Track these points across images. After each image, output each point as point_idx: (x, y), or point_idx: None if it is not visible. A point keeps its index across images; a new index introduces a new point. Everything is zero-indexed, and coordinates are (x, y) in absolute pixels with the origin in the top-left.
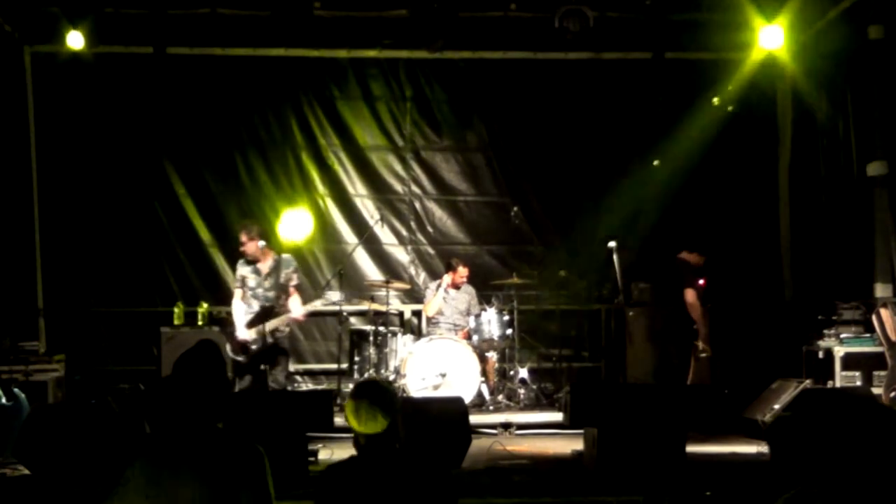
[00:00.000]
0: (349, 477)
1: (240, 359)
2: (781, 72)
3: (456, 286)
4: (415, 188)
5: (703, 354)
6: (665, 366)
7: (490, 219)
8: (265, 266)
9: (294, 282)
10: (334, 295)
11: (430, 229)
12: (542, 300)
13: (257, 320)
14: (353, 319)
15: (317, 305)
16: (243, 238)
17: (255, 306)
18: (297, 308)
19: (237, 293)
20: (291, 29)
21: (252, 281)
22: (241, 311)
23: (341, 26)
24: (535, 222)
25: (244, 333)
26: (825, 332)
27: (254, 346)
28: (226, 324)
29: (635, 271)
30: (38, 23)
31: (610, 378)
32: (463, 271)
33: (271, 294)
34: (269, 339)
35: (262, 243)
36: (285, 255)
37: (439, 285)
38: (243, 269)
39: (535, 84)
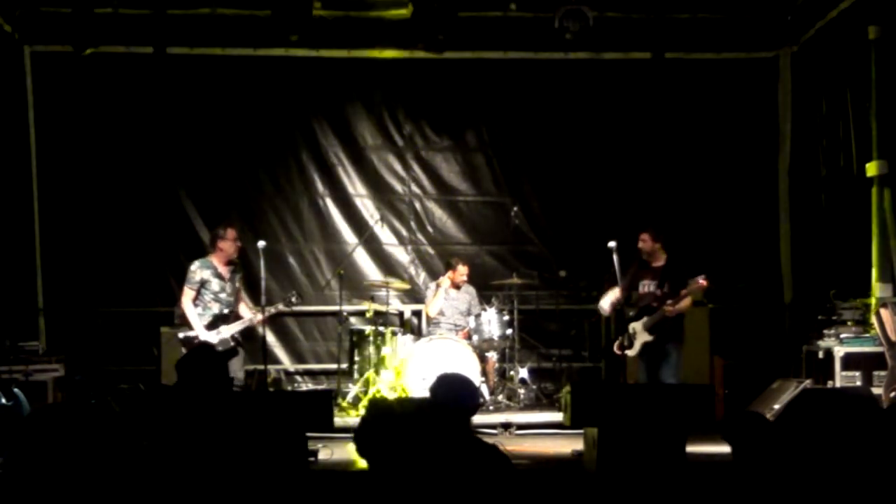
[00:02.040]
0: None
1: None
2: (781, 72)
3: (456, 286)
4: (415, 188)
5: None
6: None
7: (490, 219)
8: (226, 270)
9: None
10: (294, 296)
11: (430, 229)
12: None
13: (219, 323)
14: (353, 319)
15: (280, 307)
16: (230, 237)
17: (216, 309)
18: (251, 311)
19: (190, 294)
20: (291, 29)
21: (216, 285)
22: (197, 313)
23: (341, 26)
24: (535, 222)
25: (206, 335)
26: (825, 332)
27: (220, 349)
28: (176, 325)
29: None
30: (38, 23)
31: (610, 378)
32: (462, 270)
33: (232, 299)
34: (231, 343)
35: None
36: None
37: (438, 285)
38: (205, 272)
39: (535, 84)
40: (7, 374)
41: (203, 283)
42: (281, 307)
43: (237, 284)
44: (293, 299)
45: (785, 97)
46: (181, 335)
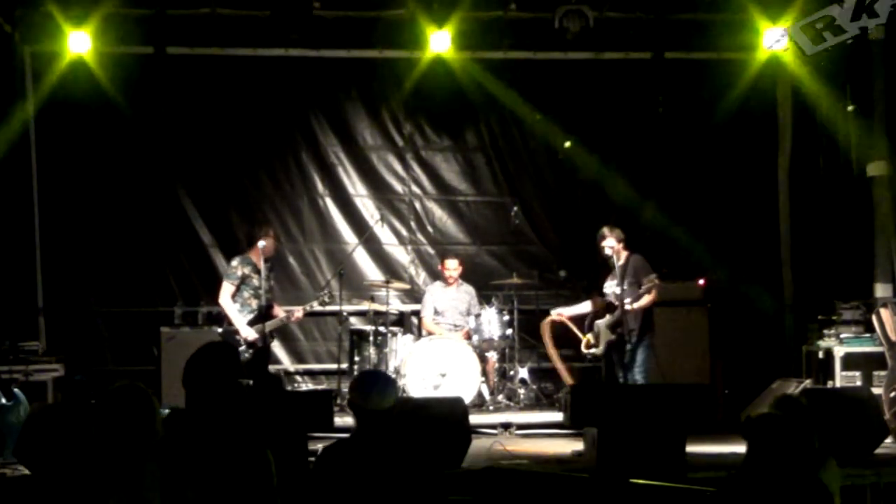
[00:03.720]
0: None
1: (246, 356)
2: (782, 72)
3: (449, 282)
4: (415, 188)
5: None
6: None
7: (490, 219)
8: (265, 267)
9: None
10: (327, 296)
11: (430, 229)
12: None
13: (260, 320)
14: (353, 319)
15: (314, 306)
16: (272, 235)
17: (255, 305)
18: (291, 308)
19: (230, 290)
20: (291, 29)
21: (257, 281)
22: (236, 309)
23: (341, 26)
24: (535, 222)
25: (248, 331)
26: (825, 332)
27: (259, 345)
28: (222, 321)
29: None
30: (38, 23)
31: (609, 378)
32: (449, 263)
33: (269, 295)
34: (269, 339)
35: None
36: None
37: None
38: (246, 269)
39: (534, 84)
40: (7, 374)
41: (244, 279)
42: (315, 305)
43: (272, 282)
44: (326, 298)
45: (785, 97)
46: (220, 330)
